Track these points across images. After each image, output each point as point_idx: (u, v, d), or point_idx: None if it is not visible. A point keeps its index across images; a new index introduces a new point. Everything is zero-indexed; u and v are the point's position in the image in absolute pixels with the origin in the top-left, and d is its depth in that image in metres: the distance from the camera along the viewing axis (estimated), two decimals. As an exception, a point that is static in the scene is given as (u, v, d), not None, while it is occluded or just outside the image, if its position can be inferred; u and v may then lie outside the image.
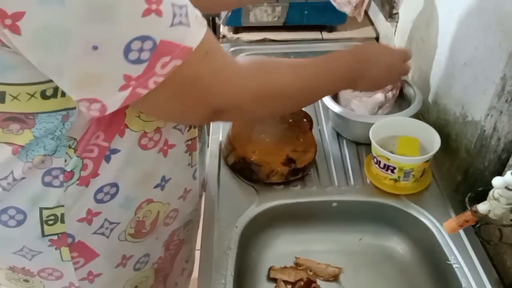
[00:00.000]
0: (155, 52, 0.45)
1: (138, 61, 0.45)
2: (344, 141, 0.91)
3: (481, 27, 0.72)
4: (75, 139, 0.55)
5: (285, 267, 0.75)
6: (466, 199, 0.56)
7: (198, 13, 0.50)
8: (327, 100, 0.89)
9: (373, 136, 0.77)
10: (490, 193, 0.53)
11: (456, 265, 0.67)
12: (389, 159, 0.75)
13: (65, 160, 0.55)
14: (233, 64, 0.56)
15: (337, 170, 0.84)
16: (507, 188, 0.51)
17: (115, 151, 0.57)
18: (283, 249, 0.78)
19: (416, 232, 0.76)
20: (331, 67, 0.69)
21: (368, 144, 0.80)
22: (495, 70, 0.68)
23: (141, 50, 0.44)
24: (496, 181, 0.50)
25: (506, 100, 0.66)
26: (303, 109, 0.90)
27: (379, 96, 0.90)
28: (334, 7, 1.19)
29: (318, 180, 0.82)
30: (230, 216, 0.74)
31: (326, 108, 0.95)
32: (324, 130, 0.94)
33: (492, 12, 0.69)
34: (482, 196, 0.58)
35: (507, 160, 0.67)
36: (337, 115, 0.88)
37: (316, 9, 1.18)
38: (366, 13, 1.33)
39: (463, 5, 0.79)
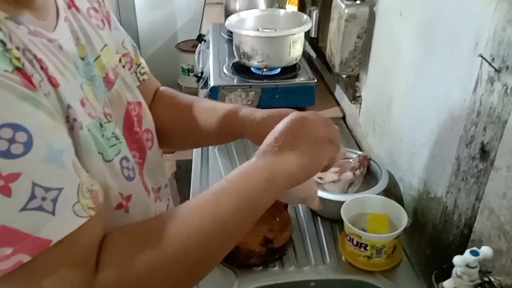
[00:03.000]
0: None
1: None
2: (319, 219, 0.94)
3: (435, 112, 0.80)
4: None
5: None
6: (433, 277, 0.59)
7: (86, 201, 0.42)
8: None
9: (345, 214, 0.81)
10: (454, 270, 0.57)
11: None
12: (361, 237, 0.78)
13: None
14: (90, 261, 0.43)
15: (314, 248, 0.87)
16: (468, 266, 0.54)
17: None
18: (264, 333, 0.78)
19: (392, 309, 0.77)
20: (244, 196, 0.49)
21: (342, 221, 0.84)
22: (450, 151, 0.75)
23: None
24: (457, 260, 0.54)
25: (463, 179, 0.72)
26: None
27: (348, 174, 0.96)
28: (303, 91, 1.29)
29: (295, 259, 0.84)
30: (210, 301, 0.75)
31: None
32: (299, 208, 0.98)
33: (442, 100, 0.78)
34: (451, 270, 0.61)
35: (470, 235, 0.71)
36: (310, 194, 0.92)
37: (286, 93, 1.27)
38: (332, 94, 1.43)
39: (417, 92, 0.88)
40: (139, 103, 0.65)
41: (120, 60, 0.67)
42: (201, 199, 0.50)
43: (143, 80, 0.75)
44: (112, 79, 0.60)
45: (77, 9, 0.57)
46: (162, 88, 0.80)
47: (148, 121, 0.67)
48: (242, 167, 0.51)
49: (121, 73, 0.63)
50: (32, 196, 0.38)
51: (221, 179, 0.51)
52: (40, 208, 0.38)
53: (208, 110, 0.73)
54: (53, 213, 0.39)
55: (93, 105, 0.52)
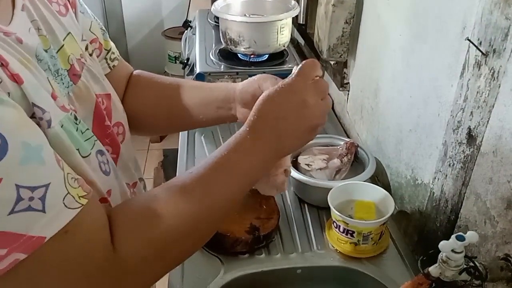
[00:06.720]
0: None
1: None
2: (306, 206, 0.94)
3: (421, 98, 0.80)
4: None
5: None
6: (419, 263, 0.59)
7: (76, 191, 0.41)
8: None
9: (331, 201, 0.80)
10: (439, 256, 0.56)
11: (419, 327, 0.68)
12: (347, 224, 0.78)
13: None
14: (102, 240, 0.44)
15: (300, 235, 0.86)
16: (453, 251, 0.54)
17: None
18: (250, 321, 0.77)
19: (379, 295, 0.77)
20: (242, 163, 0.53)
21: (328, 208, 0.83)
22: (437, 137, 0.75)
23: None
24: (443, 245, 0.54)
25: (449, 165, 0.71)
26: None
27: (335, 161, 0.95)
28: (290, 78, 1.27)
29: (282, 247, 0.83)
30: (195, 289, 0.74)
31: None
32: (286, 195, 0.97)
33: (429, 85, 0.77)
34: (437, 256, 0.61)
35: (456, 221, 0.71)
36: (297, 181, 0.91)
37: (274, 80, 1.25)
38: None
39: (404, 77, 0.87)
40: (108, 95, 0.61)
41: (86, 48, 0.62)
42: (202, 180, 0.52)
43: (114, 66, 0.70)
44: (78, 71, 0.55)
45: None
46: (137, 71, 0.76)
47: (118, 114, 0.63)
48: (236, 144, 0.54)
49: (87, 63, 0.59)
50: (19, 199, 0.37)
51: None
52: (29, 209, 0.38)
53: (195, 88, 0.72)
54: (43, 210, 0.39)
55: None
